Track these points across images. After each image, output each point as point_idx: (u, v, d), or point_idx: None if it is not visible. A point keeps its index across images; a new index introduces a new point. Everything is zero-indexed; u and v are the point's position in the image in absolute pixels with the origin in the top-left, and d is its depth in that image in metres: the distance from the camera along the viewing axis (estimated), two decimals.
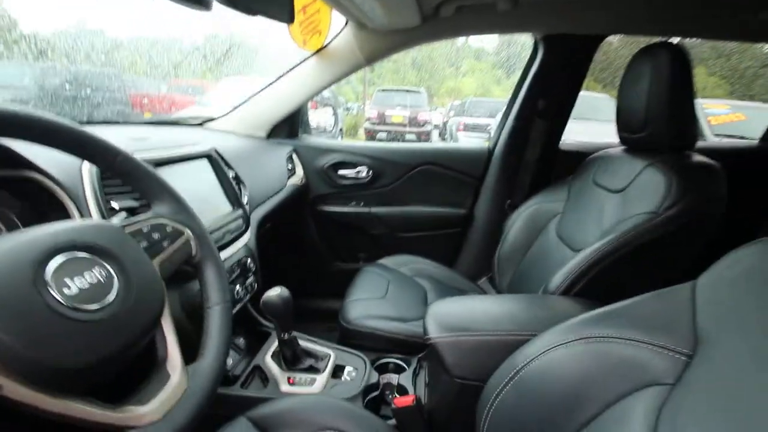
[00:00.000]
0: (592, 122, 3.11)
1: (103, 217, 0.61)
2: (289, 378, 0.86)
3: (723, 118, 3.84)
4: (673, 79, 0.86)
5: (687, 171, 0.85)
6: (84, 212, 0.59)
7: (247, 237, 0.96)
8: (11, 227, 0.52)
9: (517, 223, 1.25)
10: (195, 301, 0.67)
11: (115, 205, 0.64)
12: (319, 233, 1.60)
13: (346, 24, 1.29)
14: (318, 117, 1.85)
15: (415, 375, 0.94)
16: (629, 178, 0.94)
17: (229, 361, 0.92)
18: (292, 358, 0.89)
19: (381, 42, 1.31)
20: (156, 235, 0.51)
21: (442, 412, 0.75)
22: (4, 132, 0.41)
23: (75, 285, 0.38)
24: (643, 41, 1.05)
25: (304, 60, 1.38)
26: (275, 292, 0.84)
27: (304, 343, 0.96)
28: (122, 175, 0.52)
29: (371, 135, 8.36)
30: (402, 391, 0.89)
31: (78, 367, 0.36)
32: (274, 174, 1.33)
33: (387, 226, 1.58)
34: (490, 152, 1.51)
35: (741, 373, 0.35)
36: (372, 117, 8.45)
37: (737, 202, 1.05)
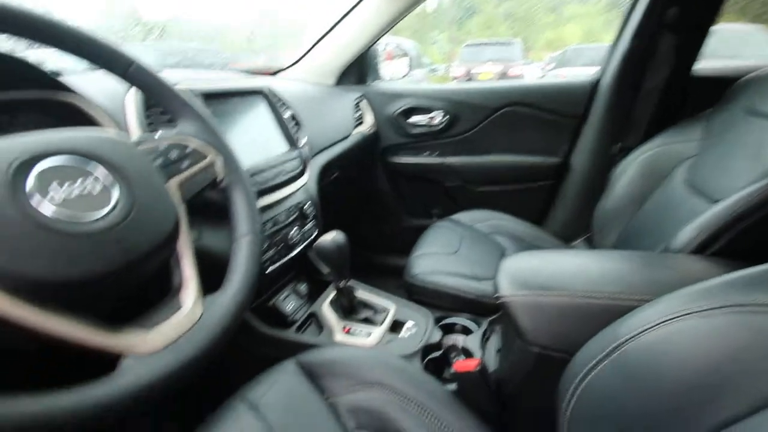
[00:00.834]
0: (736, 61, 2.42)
1: None
2: (344, 327, 0.81)
3: None
4: None
5: None
6: None
7: (305, 180, 0.90)
8: None
9: (629, 171, 1.00)
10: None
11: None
12: (390, 186, 1.50)
13: None
14: (392, 69, 1.71)
15: (485, 339, 0.81)
16: None
17: (289, 307, 0.90)
18: (349, 308, 0.83)
19: None
20: (174, 154, 0.46)
21: (512, 383, 0.62)
22: (9, 29, 0.37)
23: (63, 194, 0.33)
24: None
25: None
26: (329, 237, 0.77)
27: (364, 294, 0.90)
28: (140, 87, 0.47)
29: None
30: (467, 354, 0.78)
31: (66, 281, 0.31)
32: (339, 121, 1.25)
33: (463, 179, 1.42)
34: (595, 85, 1.23)
35: None
36: (458, 76, 7.92)
37: None
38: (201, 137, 0.50)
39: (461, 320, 0.88)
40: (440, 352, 0.79)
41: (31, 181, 0.32)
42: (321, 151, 1.09)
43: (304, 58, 1.40)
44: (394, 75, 1.67)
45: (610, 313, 0.50)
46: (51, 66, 0.54)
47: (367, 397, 0.58)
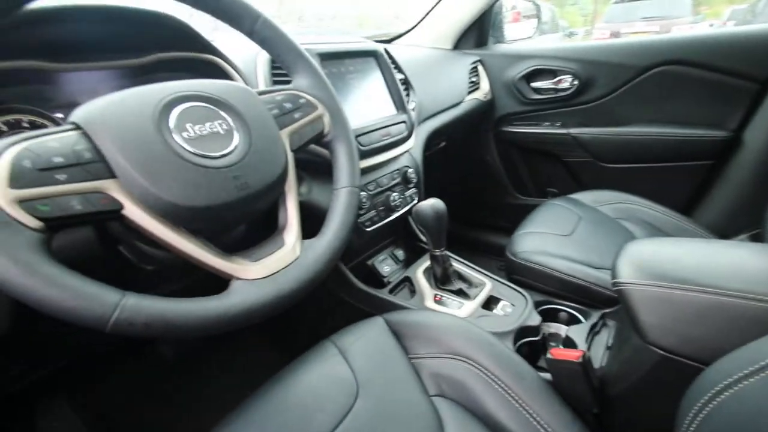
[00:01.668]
0: None
1: None
2: (435, 295, 0.80)
3: None
4: None
5: None
6: None
7: (410, 145, 0.90)
8: None
9: None
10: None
11: None
12: (501, 158, 1.40)
13: None
14: (518, 31, 1.56)
15: (593, 332, 0.71)
16: None
17: (386, 269, 0.93)
18: (443, 278, 0.82)
19: None
20: (288, 105, 0.49)
21: (621, 385, 0.54)
22: None
23: (195, 131, 0.39)
24: None
25: None
26: (428, 203, 0.76)
27: (460, 267, 0.87)
28: (263, 42, 0.51)
29: None
30: (569, 345, 0.70)
31: (193, 206, 0.37)
32: (452, 86, 1.19)
33: (591, 154, 1.24)
34: None
35: None
36: (603, 39, 6.84)
37: None
38: (312, 92, 0.52)
39: (567, 307, 0.79)
40: (538, 337, 0.72)
41: (172, 119, 0.38)
42: (430, 117, 1.07)
43: (421, 23, 1.36)
44: (521, 36, 1.53)
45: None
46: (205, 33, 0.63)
47: (450, 366, 0.57)
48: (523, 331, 0.71)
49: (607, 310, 0.75)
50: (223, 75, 0.62)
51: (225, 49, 0.64)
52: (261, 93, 0.49)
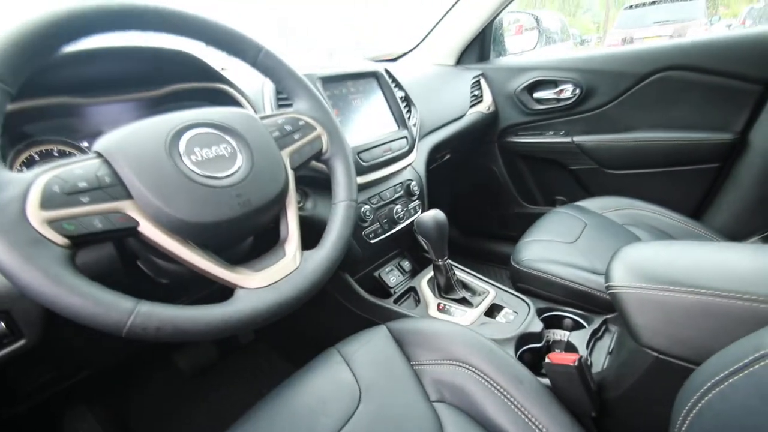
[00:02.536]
0: None
1: None
2: (439, 304, 0.82)
3: None
4: None
5: None
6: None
7: (412, 159, 0.93)
8: None
9: None
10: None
11: None
12: (506, 169, 1.42)
13: None
14: (523, 43, 1.58)
15: (595, 337, 0.72)
16: None
17: (392, 280, 0.95)
18: (446, 286, 0.83)
19: None
20: (288, 128, 0.53)
21: (618, 387, 0.54)
22: (156, 27, 0.46)
23: (202, 155, 0.43)
24: None
25: None
26: (430, 214, 0.79)
27: (463, 275, 0.89)
28: (266, 71, 0.55)
29: None
30: (570, 349, 0.70)
31: (200, 222, 0.41)
32: (454, 101, 1.23)
33: (596, 161, 1.24)
34: None
35: None
36: (614, 45, 6.78)
37: None
38: (311, 114, 0.56)
39: (569, 314, 0.79)
40: (541, 344, 0.73)
41: (182, 145, 0.42)
42: (432, 131, 1.10)
43: (423, 42, 1.41)
44: (523, 49, 1.55)
45: (755, 319, 0.40)
46: (217, 64, 0.69)
47: (451, 372, 0.59)
48: (525, 338, 0.72)
49: (609, 316, 0.75)
50: (234, 102, 0.68)
51: (235, 79, 0.70)
52: (264, 117, 0.53)
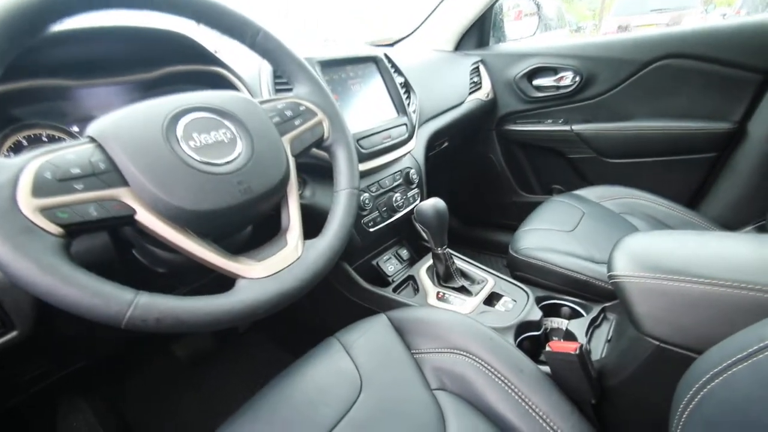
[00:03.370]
0: None
1: None
2: (438, 293, 0.82)
3: None
4: None
5: None
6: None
7: (411, 147, 0.92)
8: None
9: None
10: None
11: None
12: (505, 157, 1.41)
13: None
14: (520, 29, 1.56)
15: (594, 326, 0.72)
16: None
17: (390, 268, 0.95)
18: (445, 275, 0.83)
19: None
20: (289, 113, 0.52)
21: (619, 375, 0.55)
22: (144, 4, 0.44)
23: (201, 140, 0.41)
24: None
25: None
26: (429, 203, 0.78)
27: (463, 264, 0.89)
28: (264, 54, 0.53)
29: None
30: (569, 337, 0.71)
31: (200, 210, 0.39)
32: (453, 87, 1.21)
33: (594, 150, 1.24)
34: None
35: None
36: (610, 32, 6.74)
37: None
38: (312, 99, 0.55)
39: (568, 302, 0.80)
40: (540, 332, 0.74)
41: (179, 130, 0.41)
42: (431, 118, 1.08)
43: (421, 26, 1.38)
44: (522, 35, 1.53)
45: (758, 309, 0.40)
46: (210, 45, 0.66)
47: (451, 360, 0.59)
48: (524, 326, 0.72)
49: (607, 304, 0.75)
50: (229, 86, 0.66)
51: (230, 61, 0.67)
52: (263, 102, 0.51)
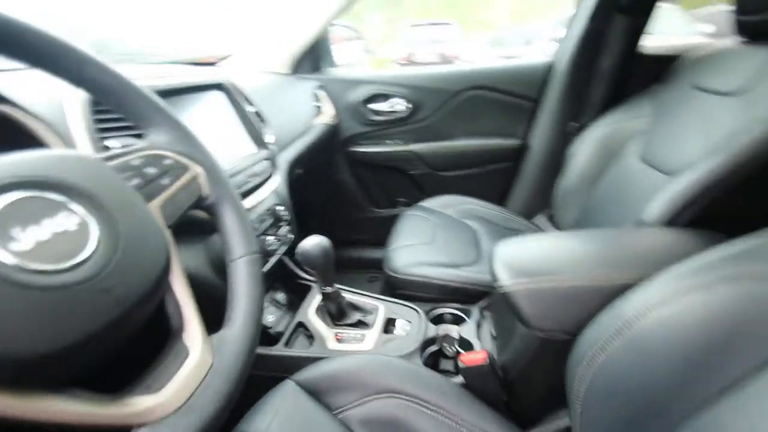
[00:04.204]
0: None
1: None
2: (336, 335, 0.77)
3: None
4: None
5: None
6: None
7: (276, 182, 0.84)
8: None
9: (584, 148, 1.05)
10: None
11: (110, 144, 0.52)
12: (354, 177, 1.46)
13: None
14: (345, 54, 1.64)
15: (478, 327, 0.82)
16: (751, 74, 0.71)
17: (270, 318, 0.84)
18: (338, 313, 0.80)
19: None
20: (151, 171, 0.39)
21: (518, 369, 0.64)
22: None
23: (30, 237, 0.26)
24: None
25: None
26: (313, 242, 0.73)
27: (349, 296, 0.87)
28: (98, 91, 0.39)
29: None
30: (465, 345, 0.78)
31: (47, 352, 0.25)
32: (299, 113, 1.18)
33: (429, 165, 1.42)
34: (549, 68, 1.27)
35: None
36: (401, 58, 7.88)
37: None
38: (177, 149, 0.43)
39: (450, 310, 0.88)
40: (435, 345, 0.79)
41: None
42: (285, 147, 1.02)
43: (249, 45, 1.29)
44: (349, 60, 1.61)
45: (606, 292, 0.52)
46: None
47: (378, 406, 0.56)
48: (426, 344, 0.76)
49: (482, 303, 0.87)
50: (25, 135, 0.45)
51: (18, 92, 0.46)
52: (108, 159, 0.37)
